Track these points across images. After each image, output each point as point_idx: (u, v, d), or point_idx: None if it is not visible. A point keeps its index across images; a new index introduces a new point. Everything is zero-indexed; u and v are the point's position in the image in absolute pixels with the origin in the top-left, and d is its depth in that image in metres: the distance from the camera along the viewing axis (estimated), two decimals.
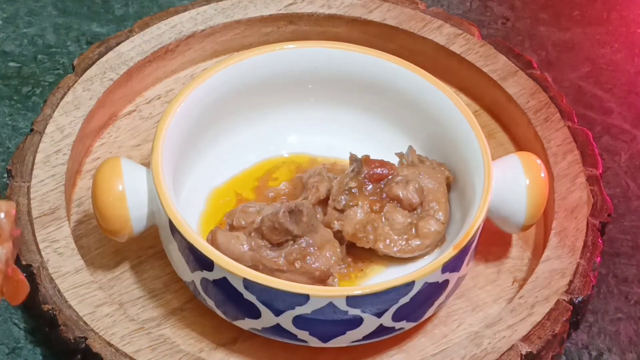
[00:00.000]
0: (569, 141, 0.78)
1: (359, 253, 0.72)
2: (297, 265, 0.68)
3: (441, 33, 0.84)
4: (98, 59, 0.80)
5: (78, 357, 0.67)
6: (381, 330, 0.67)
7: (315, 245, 0.68)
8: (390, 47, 0.82)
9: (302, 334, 0.67)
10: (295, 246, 0.68)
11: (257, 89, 0.77)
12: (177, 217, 0.66)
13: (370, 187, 0.71)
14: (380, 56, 0.76)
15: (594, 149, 0.78)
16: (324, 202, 0.72)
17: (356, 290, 0.65)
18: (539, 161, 0.72)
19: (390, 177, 0.72)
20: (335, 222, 0.71)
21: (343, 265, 0.71)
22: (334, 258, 0.69)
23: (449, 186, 0.74)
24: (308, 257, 0.68)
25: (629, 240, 0.79)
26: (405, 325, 0.68)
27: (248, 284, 0.65)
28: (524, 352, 0.68)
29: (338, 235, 0.71)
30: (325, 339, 0.67)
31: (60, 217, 0.72)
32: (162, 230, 0.69)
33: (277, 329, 0.67)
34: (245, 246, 0.68)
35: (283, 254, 0.68)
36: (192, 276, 0.68)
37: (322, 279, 0.68)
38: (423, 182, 0.73)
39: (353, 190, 0.71)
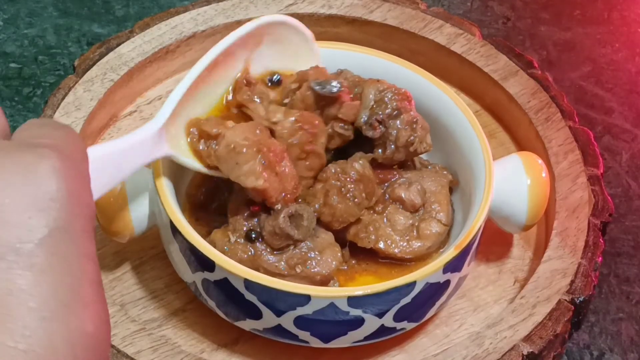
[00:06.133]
0: (570, 141, 0.78)
1: (362, 254, 0.72)
2: (298, 269, 0.68)
3: (442, 33, 0.84)
4: (99, 59, 0.80)
5: None
6: (382, 330, 0.67)
7: (315, 249, 0.68)
8: (391, 47, 0.82)
9: (304, 335, 0.67)
10: (296, 251, 0.68)
11: None
12: (178, 217, 0.66)
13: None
14: (381, 56, 0.76)
15: (595, 148, 0.78)
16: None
17: (357, 290, 0.65)
18: (540, 161, 0.72)
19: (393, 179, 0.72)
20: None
21: (345, 267, 0.71)
22: (334, 262, 0.69)
23: (451, 190, 0.74)
24: (309, 262, 0.68)
25: (630, 240, 0.78)
26: (407, 325, 0.68)
27: (249, 284, 0.64)
28: (525, 352, 0.67)
29: (340, 236, 0.71)
30: (326, 340, 0.67)
31: None
32: (163, 231, 0.69)
33: (279, 329, 0.66)
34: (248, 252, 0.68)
35: (283, 259, 0.68)
36: (193, 277, 0.68)
37: (322, 284, 0.68)
38: (425, 184, 0.72)
39: None
